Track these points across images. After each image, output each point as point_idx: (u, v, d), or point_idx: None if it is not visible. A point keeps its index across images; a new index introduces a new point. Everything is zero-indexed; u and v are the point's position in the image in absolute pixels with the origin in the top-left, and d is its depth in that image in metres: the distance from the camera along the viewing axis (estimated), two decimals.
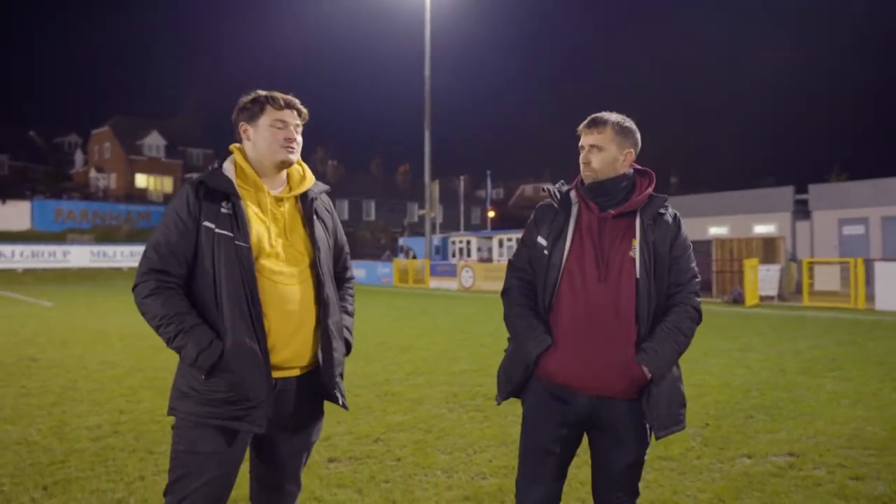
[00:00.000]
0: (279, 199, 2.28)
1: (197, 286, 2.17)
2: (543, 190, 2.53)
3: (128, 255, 33.86)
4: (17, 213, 37.92)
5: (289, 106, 2.26)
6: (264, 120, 2.24)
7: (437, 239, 34.81)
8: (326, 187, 2.46)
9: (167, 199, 50.39)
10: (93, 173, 54.11)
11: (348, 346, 2.42)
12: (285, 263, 2.22)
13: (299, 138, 2.30)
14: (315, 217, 2.34)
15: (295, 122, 2.28)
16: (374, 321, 13.57)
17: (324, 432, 4.98)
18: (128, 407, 5.79)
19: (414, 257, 31.36)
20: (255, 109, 2.24)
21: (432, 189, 33.09)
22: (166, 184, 53.08)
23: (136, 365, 7.97)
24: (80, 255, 32.89)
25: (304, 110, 2.30)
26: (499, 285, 17.57)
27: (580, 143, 2.43)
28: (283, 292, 2.19)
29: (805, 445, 4.59)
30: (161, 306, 2.12)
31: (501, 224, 51.39)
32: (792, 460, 4.28)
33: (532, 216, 2.53)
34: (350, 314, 2.49)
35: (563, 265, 2.35)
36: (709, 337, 10.24)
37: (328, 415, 5.52)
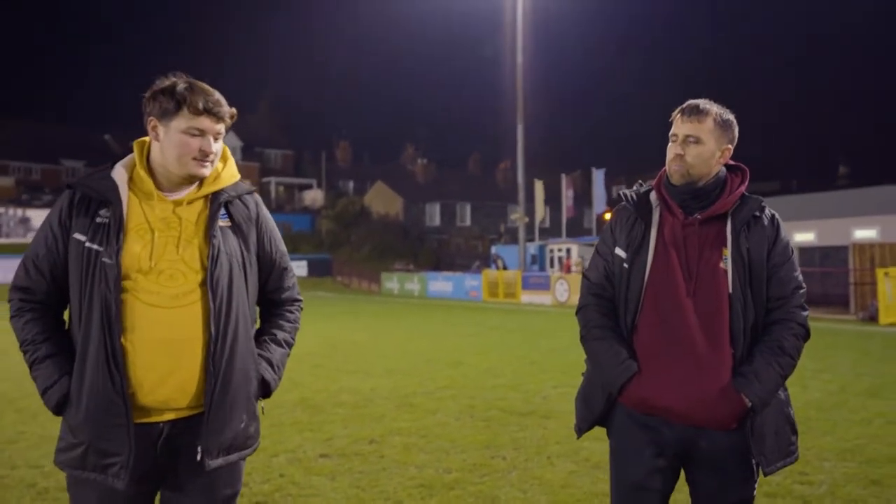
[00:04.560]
0: (179, 203, 2.22)
1: (69, 308, 2.22)
2: (620, 196, 2.57)
3: None
4: None
5: (208, 111, 2.16)
6: (177, 123, 2.15)
7: (534, 247, 35.72)
8: (250, 188, 2.39)
9: None
10: None
11: (265, 386, 2.32)
12: (168, 282, 2.14)
13: (218, 146, 2.23)
14: (225, 224, 2.26)
15: (215, 129, 2.19)
16: (436, 337, 14.87)
17: (326, 433, 6.24)
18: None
19: (504, 268, 32.37)
20: (170, 107, 2.15)
21: (535, 189, 34.14)
22: None
23: None
24: None
25: (229, 112, 2.22)
26: None
27: (672, 132, 2.45)
28: (155, 318, 2.11)
29: None
30: (20, 330, 2.20)
31: None
32: None
33: (608, 223, 2.59)
34: (280, 343, 2.39)
35: (645, 280, 2.39)
36: None
37: (334, 422, 6.88)
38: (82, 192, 2.20)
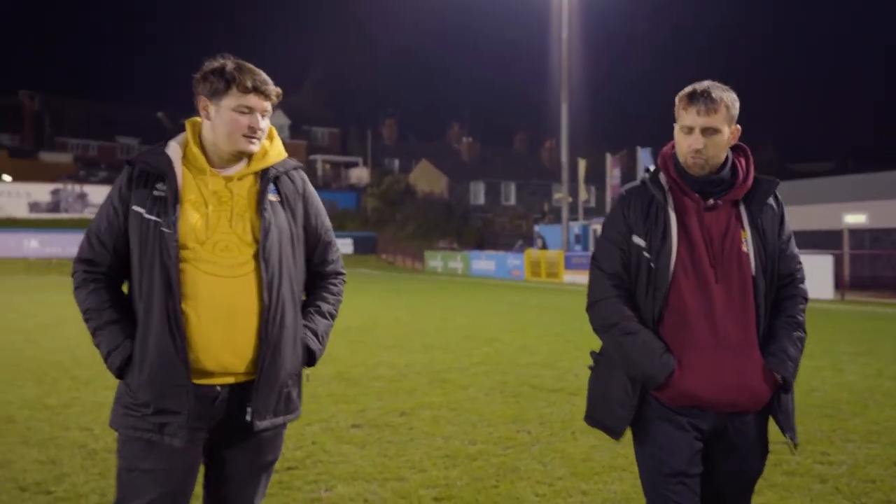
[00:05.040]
0: (230, 179, 2.33)
1: (130, 278, 2.33)
2: (643, 182, 2.48)
3: None
4: None
5: (256, 90, 2.27)
6: (227, 102, 2.27)
7: (578, 226, 35.58)
8: (297, 164, 2.49)
9: None
10: None
11: (311, 355, 2.43)
12: (223, 253, 2.26)
13: (265, 123, 2.34)
14: (275, 199, 2.36)
15: (262, 107, 2.30)
16: (476, 315, 15.06)
17: (359, 405, 6.47)
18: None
19: (544, 247, 32.34)
20: (220, 86, 2.26)
21: (578, 169, 33.98)
22: None
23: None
24: None
25: (275, 91, 2.33)
26: None
27: (685, 124, 2.35)
28: (215, 286, 2.23)
29: (807, 437, 5.37)
30: (84, 300, 2.31)
31: None
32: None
33: (617, 208, 2.48)
34: (325, 315, 2.50)
35: (672, 268, 2.34)
36: (832, 340, 10.58)
37: (368, 394, 7.11)
38: (140, 167, 2.31)
